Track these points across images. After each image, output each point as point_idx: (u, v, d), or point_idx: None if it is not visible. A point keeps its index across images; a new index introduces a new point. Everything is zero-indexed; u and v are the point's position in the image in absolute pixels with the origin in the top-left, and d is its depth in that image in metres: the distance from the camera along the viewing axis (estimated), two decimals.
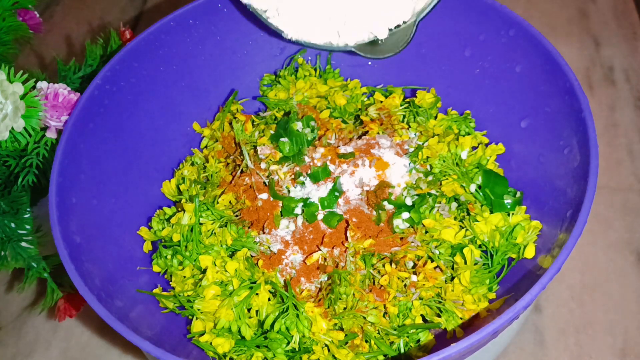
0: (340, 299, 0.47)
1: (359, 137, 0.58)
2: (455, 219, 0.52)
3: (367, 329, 0.47)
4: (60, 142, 0.51)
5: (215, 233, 0.52)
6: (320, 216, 0.53)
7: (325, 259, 0.50)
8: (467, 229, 0.50)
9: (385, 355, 0.46)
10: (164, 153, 0.61)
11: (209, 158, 0.60)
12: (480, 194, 0.53)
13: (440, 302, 0.47)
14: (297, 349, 0.46)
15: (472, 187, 0.53)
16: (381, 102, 0.62)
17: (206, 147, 0.63)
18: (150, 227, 0.55)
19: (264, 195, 0.55)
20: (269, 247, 0.53)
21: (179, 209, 0.55)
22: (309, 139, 0.57)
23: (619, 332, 0.56)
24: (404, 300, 0.47)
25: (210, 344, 0.47)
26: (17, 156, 0.56)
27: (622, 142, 0.70)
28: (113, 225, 0.53)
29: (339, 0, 0.51)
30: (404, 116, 0.61)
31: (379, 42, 0.53)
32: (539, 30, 0.52)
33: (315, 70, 0.64)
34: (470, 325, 0.46)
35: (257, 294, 0.48)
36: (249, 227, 0.55)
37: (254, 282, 0.49)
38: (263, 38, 0.64)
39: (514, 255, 0.49)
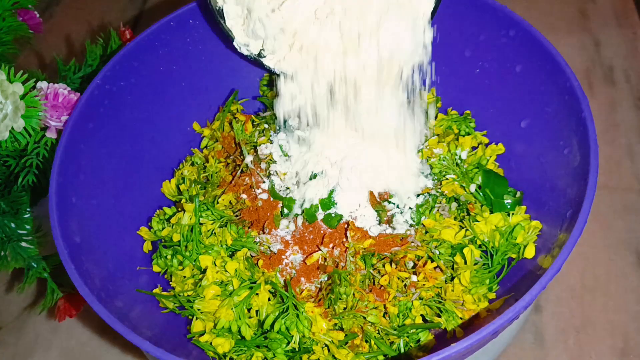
0: (340, 299, 0.47)
1: None
2: (455, 219, 0.52)
3: (367, 329, 0.47)
4: (60, 142, 0.51)
5: (215, 233, 0.52)
6: (320, 216, 0.53)
7: (325, 259, 0.50)
8: (467, 229, 0.50)
9: (385, 355, 0.46)
10: (164, 153, 0.61)
11: (209, 158, 0.60)
12: (480, 194, 0.53)
13: (440, 302, 0.47)
14: (297, 349, 0.46)
15: (472, 187, 0.53)
16: None
17: (206, 147, 0.63)
18: (150, 227, 0.55)
19: (264, 195, 0.55)
20: (269, 247, 0.53)
21: (179, 209, 0.55)
22: None
23: (619, 332, 0.56)
24: (404, 300, 0.47)
25: (210, 344, 0.47)
26: (17, 156, 0.56)
27: (622, 142, 0.70)
28: (113, 225, 0.53)
29: None
30: None
31: None
32: (539, 30, 0.52)
33: None
34: (470, 325, 0.46)
35: (257, 294, 0.48)
36: (249, 227, 0.55)
37: (254, 282, 0.49)
38: None
39: (514, 255, 0.49)
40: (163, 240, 0.54)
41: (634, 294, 0.58)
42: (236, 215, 0.55)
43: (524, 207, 0.52)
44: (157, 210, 0.57)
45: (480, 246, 0.50)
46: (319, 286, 0.50)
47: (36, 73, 0.61)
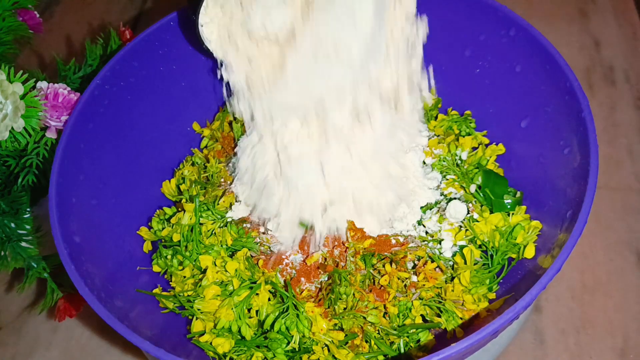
0: (340, 299, 0.47)
1: None
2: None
3: (367, 329, 0.47)
4: (60, 142, 0.51)
5: (215, 233, 0.52)
6: None
7: (325, 259, 0.50)
8: (467, 229, 0.50)
9: (385, 355, 0.46)
10: (164, 153, 0.61)
11: (210, 158, 0.60)
12: (480, 194, 0.53)
13: (440, 302, 0.47)
14: (297, 349, 0.46)
15: (472, 187, 0.53)
16: None
17: (206, 147, 0.63)
18: (150, 227, 0.55)
19: None
20: (269, 247, 0.53)
21: (179, 209, 0.55)
22: None
23: (619, 332, 0.56)
24: (404, 300, 0.47)
25: (210, 344, 0.47)
26: (17, 156, 0.56)
27: (622, 142, 0.70)
28: (113, 225, 0.53)
29: None
30: None
31: None
32: (539, 30, 0.52)
33: None
34: (470, 325, 0.46)
35: (257, 294, 0.48)
36: (249, 227, 0.55)
37: (254, 282, 0.49)
38: None
39: (514, 255, 0.49)
40: (163, 240, 0.54)
41: (634, 294, 0.58)
42: None
43: (524, 207, 0.52)
44: (157, 210, 0.57)
45: (480, 246, 0.50)
46: (319, 286, 0.50)
47: (36, 73, 0.61)
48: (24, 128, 0.50)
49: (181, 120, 0.63)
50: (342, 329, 0.47)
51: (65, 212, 0.48)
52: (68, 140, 0.51)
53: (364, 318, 0.47)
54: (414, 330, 0.47)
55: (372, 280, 0.50)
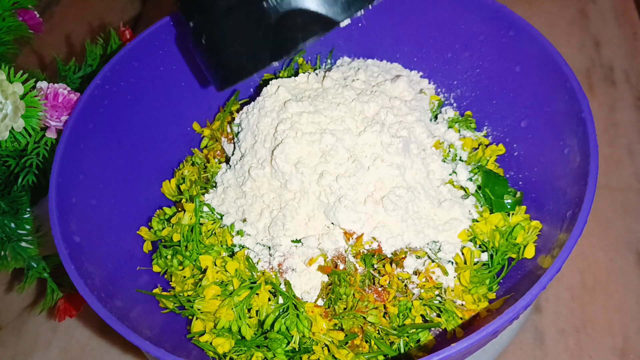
0: (340, 299, 0.47)
1: None
2: None
3: (367, 329, 0.47)
4: (60, 142, 0.51)
5: (215, 233, 0.52)
6: None
7: (325, 259, 0.50)
8: (467, 229, 0.50)
9: (385, 355, 0.46)
10: (164, 153, 0.61)
11: (210, 158, 0.60)
12: (481, 194, 0.53)
13: (440, 302, 0.47)
14: (297, 349, 0.46)
15: (472, 187, 0.53)
16: None
17: (206, 147, 0.63)
18: (150, 227, 0.55)
19: None
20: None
21: (179, 209, 0.55)
22: None
23: (619, 332, 0.56)
24: (404, 300, 0.47)
25: (210, 344, 0.47)
26: (17, 156, 0.56)
27: (622, 142, 0.70)
28: (113, 225, 0.53)
29: None
30: None
31: None
32: (539, 30, 0.52)
33: (315, 70, 0.64)
34: (470, 325, 0.46)
35: (257, 294, 0.48)
36: None
37: (254, 282, 0.49)
38: None
39: (514, 255, 0.49)
40: (163, 240, 0.54)
41: (634, 294, 0.58)
42: None
43: (524, 207, 0.52)
44: (157, 210, 0.57)
45: (480, 246, 0.50)
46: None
47: (36, 73, 0.61)
48: (24, 128, 0.50)
49: (181, 120, 0.63)
50: (342, 329, 0.47)
51: (65, 212, 0.48)
52: (68, 140, 0.51)
53: (364, 318, 0.47)
54: (414, 330, 0.47)
55: (372, 281, 0.49)
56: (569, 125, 0.48)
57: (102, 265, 0.49)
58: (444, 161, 0.54)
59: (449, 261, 0.49)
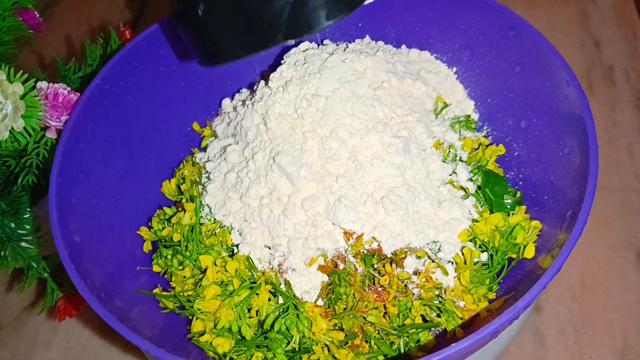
0: (340, 299, 0.47)
1: None
2: None
3: (367, 329, 0.47)
4: (60, 142, 0.51)
5: (215, 233, 0.52)
6: None
7: (325, 259, 0.50)
8: (467, 229, 0.50)
9: (385, 355, 0.46)
10: (164, 153, 0.61)
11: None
12: (481, 194, 0.53)
13: (440, 302, 0.47)
14: (297, 349, 0.46)
15: (472, 188, 0.53)
16: None
17: (206, 147, 0.63)
18: (150, 227, 0.55)
19: None
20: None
21: (179, 209, 0.55)
22: None
23: (619, 332, 0.56)
24: (404, 300, 0.47)
25: (210, 344, 0.47)
26: (17, 156, 0.56)
27: (622, 142, 0.70)
28: (113, 225, 0.53)
29: None
30: None
31: None
32: (539, 30, 0.52)
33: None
34: (470, 325, 0.46)
35: (257, 294, 0.48)
36: None
37: (254, 282, 0.49)
38: None
39: (514, 255, 0.49)
40: (163, 240, 0.54)
41: (634, 294, 0.58)
42: None
43: (524, 207, 0.52)
44: (157, 210, 0.57)
45: (480, 246, 0.50)
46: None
47: (36, 73, 0.61)
48: (24, 128, 0.50)
49: (181, 120, 0.63)
50: (342, 329, 0.47)
51: (65, 212, 0.48)
52: (68, 140, 0.51)
53: (364, 318, 0.47)
54: (414, 330, 0.47)
55: (372, 281, 0.49)
56: (569, 125, 0.48)
57: (102, 265, 0.49)
58: (444, 161, 0.54)
59: (449, 261, 0.49)
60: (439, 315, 0.48)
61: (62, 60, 0.66)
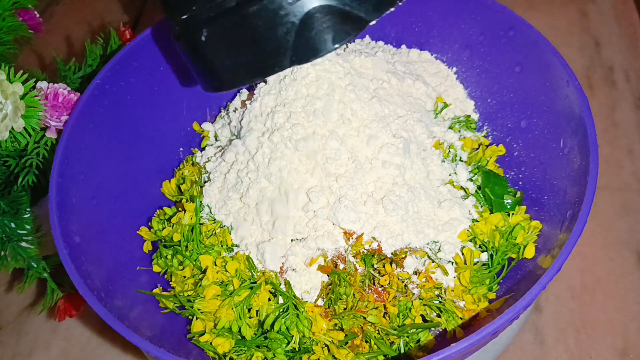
0: (340, 299, 0.47)
1: None
2: None
3: (367, 329, 0.47)
4: (60, 142, 0.51)
5: (215, 233, 0.52)
6: None
7: (325, 259, 0.50)
8: (467, 229, 0.50)
9: (385, 355, 0.46)
10: (164, 153, 0.61)
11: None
12: (481, 194, 0.53)
13: (440, 302, 0.47)
14: (297, 349, 0.46)
15: (472, 187, 0.53)
16: None
17: (206, 147, 0.63)
18: (150, 227, 0.55)
19: None
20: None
21: (179, 209, 0.55)
22: None
23: (619, 332, 0.56)
24: (404, 300, 0.47)
25: (211, 344, 0.47)
26: (17, 156, 0.56)
27: (622, 142, 0.70)
28: (113, 225, 0.53)
29: None
30: None
31: None
32: (539, 30, 0.52)
33: None
34: (470, 325, 0.46)
35: (257, 294, 0.48)
36: None
37: (254, 282, 0.49)
38: None
39: (514, 255, 0.49)
40: (163, 240, 0.54)
41: (634, 294, 0.58)
42: None
43: (524, 207, 0.52)
44: (157, 210, 0.57)
45: (480, 246, 0.50)
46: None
47: (36, 73, 0.61)
48: (24, 128, 0.50)
49: (181, 120, 0.63)
50: (342, 329, 0.47)
51: (65, 212, 0.48)
52: (68, 140, 0.51)
53: (364, 318, 0.47)
54: (414, 330, 0.47)
55: (372, 281, 0.49)
56: (569, 125, 0.48)
57: (102, 265, 0.49)
58: (444, 161, 0.54)
59: (449, 261, 0.49)
60: (439, 315, 0.48)
61: (62, 60, 0.66)
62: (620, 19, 0.82)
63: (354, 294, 0.47)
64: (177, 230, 0.52)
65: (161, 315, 0.50)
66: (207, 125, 0.62)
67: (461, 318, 0.47)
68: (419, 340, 0.47)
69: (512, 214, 0.50)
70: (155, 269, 0.53)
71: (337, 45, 0.38)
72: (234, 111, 0.60)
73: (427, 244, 0.49)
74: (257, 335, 0.48)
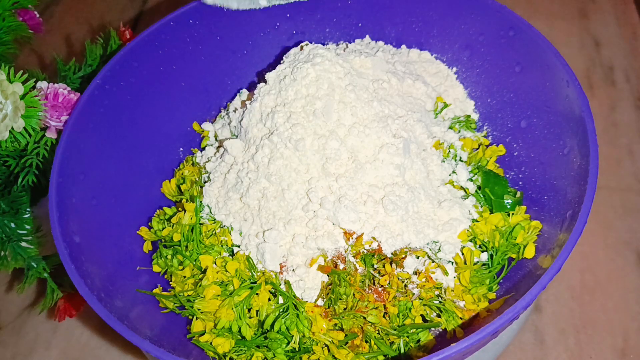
0: (340, 299, 0.47)
1: None
2: None
3: (367, 329, 0.47)
4: (60, 142, 0.51)
5: (215, 233, 0.52)
6: None
7: (325, 259, 0.50)
8: (467, 229, 0.50)
9: (385, 355, 0.46)
10: (164, 153, 0.61)
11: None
12: (481, 194, 0.53)
13: (440, 302, 0.47)
14: (297, 349, 0.46)
15: (472, 187, 0.53)
16: None
17: (206, 147, 0.63)
18: (150, 227, 0.55)
19: None
20: None
21: (179, 209, 0.55)
22: None
23: (619, 332, 0.56)
24: (404, 300, 0.47)
25: (211, 344, 0.47)
26: (17, 156, 0.56)
27: (622, 142, 0.70)
28: (113, 225, 0.53)
29: None
30: None
31: None
32: (539, 30, 0.52)
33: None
34: (470, 325, 0.46)
35: (257, 294, 0.48)
36: None
37: (254, 282, 0.49)
38: (262, 38, 0.64)
39: (514, 255, 0.49)
40: (163, 240, 0.54)
41: (634, 294, 0.58)
42: None
43: (524, 207, 0.52)
44: (157, 210, 0.57)
45: (480, 246, 0.50)
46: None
47: (36, 73, 0.61)
48: (24, 128, 0.50)
49: (181, 120, 0.63)
50: (342, 329, 0.47)
51: (65, 212, 0.48)
52: (68, 140, 0.51)
53: (364, 318, 0.47)
54: (414, 330, 0.47)
55: (372, 281, 0.49)
56: (569, 125, 0.48)
57: (102, 265, 0.49)
58: (444, 161, 0.54)
59: (449, 261, 0.49)
60: (439, 315, 0.48)
61: (62, 60, 0.66)
62: (620, 19, 0.82)
63: (354, 294, 0.47)
64: (177, 230, 0.52)
65: (161, 315, 0.50)
66: (207, 125, 0.62)
67: (461, 318, 0.47)
68: (419, 340, 0.47)
69: (512, 214, 0.50)
70: (155, 269, 0.53)
71: None
72: (234, 111, 0.60)
73: (427, 244, 0.49)
74: (257, 335, 0.48)
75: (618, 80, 0.75)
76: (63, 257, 0.45)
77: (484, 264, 0.50)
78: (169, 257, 0.52)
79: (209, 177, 0.55)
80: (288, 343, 0.46)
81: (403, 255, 0.49)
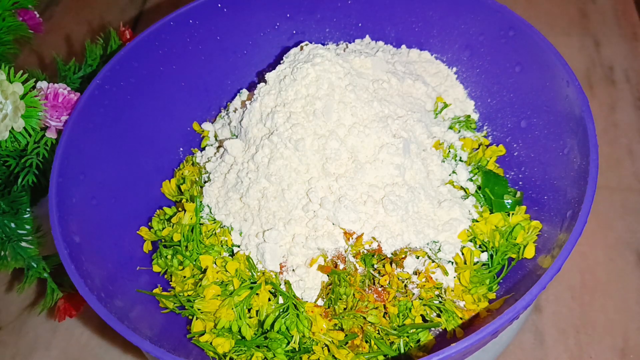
0: (340, 299, 0.47)
1: None
2: None
3: (367, 329, 0.47)
4: (60, 142, 0.51)
5: (215, 233, 0.52)
6: None
7: (325, 259, 0.50)
8: (467, 229, 0.50)
9: (385, 355, 0.46)
10: (164, 153, 0.61)
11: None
12: (481, 194, 0.53)
13: (440, 302, 0.47)
14: (297, 349, 0.46)
15: (472, 187, 0.53)
16: None
17: (206, 147, 0.63)
18: (150, 227, 0.55)
19: None
20: None
21: (179, 209, 0.55)
22: None
23: (619, 332, 0.56)
24: (404, 300, 0.47)
25: (210, 344, 0.47)
26: (17, 156, 0.56)
27: (622, 142, 0.70)
28: (113, 225, 0.53)
29: None
30: None
31: None
32: (539, 30, 0.52)
33: None
34: (470, 325, 0.46)
35: (257, 294, 0.48)
36: None
37: (254, 282, 0.49)
38: (262, 38, 0.65)
39: (514, 255, 0.49)
40: (163, 240, 0.54)
41: (634, 294, 0.58)
42: None
43: (524, 207, 0.52)
44: (157, 210, 0.57)
45: (480, 246, 0.50)
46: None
47: (36, 73, 0.61)
48: (24, 128, 0.50)
49: (181, 120, 0.63)
50: (342, 329, 0.47)
51: (65, 212, 0.48)
52: (68, 140, 0.51)
53: (364, 318, 0.47)
54: (414, 330, 0.47)
55: (372, 281, 0.49)
56: (569, 125, 0.48)
57: (102, 265, 0.49)
58: (444, 161, 0.54)
59: (449, 261, 0.49)
60: (439, 315, 0.48)
61: (62, 60, 0.66)
62: (620, 19, 0.82)
63: (354, 294, 0.47)
64: (177, 230, 0.52)
65: (161, 315, 0.50)
66: (207, 125, 0.62)
67: (461, 318, 0.47)
68: (419, 340, 0.47)
69: (512, 214, 0.50)
70: (155, 269, 0.53)
71: None
72: (234, 111, 0.60)
73: (427, 244, 0.49)
74: (257, 335, 0.48)
75: (618, 80, 0.75)
76: (63, 257, 0.45)
77: (484, 264, 0.50)
78: (169, 257, 0.52)
79: (209, 177, 0.55)
80: (288, 343, 0.46)
81: (403, 255, 0.49)
